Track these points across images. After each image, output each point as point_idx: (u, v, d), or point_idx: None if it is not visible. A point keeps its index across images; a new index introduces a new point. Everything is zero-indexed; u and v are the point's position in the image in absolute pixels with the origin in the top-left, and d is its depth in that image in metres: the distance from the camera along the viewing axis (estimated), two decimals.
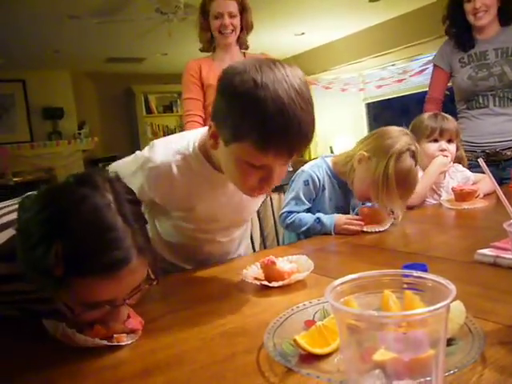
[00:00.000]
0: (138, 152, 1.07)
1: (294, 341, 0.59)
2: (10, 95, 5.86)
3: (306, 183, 1.47)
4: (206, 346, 0.68)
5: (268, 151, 0.81)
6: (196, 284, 1.01)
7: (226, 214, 1.11)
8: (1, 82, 5.67)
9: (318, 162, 1.55)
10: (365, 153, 1.38)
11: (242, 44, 2.37)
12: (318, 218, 1.40)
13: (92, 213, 0.66)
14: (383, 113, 5.99)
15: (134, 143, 6.36)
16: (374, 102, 5.92)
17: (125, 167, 1.05)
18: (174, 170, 0.99)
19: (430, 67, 2.52)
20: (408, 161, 1.33)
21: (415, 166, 1.35)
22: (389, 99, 5.65)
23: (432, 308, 0.41)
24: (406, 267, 0.84)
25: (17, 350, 0.73)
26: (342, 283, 0.47)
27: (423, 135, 1.81)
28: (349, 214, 1.48)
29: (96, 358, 0.66)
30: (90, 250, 0.64)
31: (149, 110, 6.64)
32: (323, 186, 1.49)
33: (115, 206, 0.68)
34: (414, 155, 1.34)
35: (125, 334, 0.70)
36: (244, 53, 2.40)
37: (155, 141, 1.07)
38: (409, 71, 5.22)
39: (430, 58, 2.95)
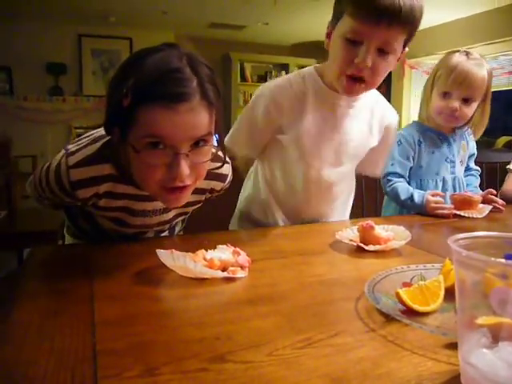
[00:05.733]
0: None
1: (397, 294, 0.61)
2: (118, 51, 6.19)
3: (399, 143, 1.52)
4: (305, 289, 0.71)
5: (358, 16, 0.96)
6: (291, 238, 1.05)
7: (331, 143, 1.18)
8: (111, 38, 6.02)
9: (410, 124, 1.62)
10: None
11: None
12: (411, 195, 1.40)
13: (163, 58, 0.74)
14: None
15: (226, 109, 6.50)
16: None
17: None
18: (294, 85, 1.15)
19: None
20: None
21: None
22: (496, 91, 5.27)
23: None
24: (509, 257, 0.80)
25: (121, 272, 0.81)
26: (466, 238, 0.47)
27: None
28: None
29: (205, 285, 0.72)
30: (154, 82, 0.71)
31: (243, 78, 6.73)
32: (418, 140, 1.53)
33: (187, 61, 0.75)
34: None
35: (239, 268, 0.76)
36: None
37: None
38: None
39: None
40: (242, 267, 0.77)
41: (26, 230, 2.22)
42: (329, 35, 1.07)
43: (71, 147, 0.87)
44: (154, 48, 0.76)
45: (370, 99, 1.21)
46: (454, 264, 0.46)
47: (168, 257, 0.75)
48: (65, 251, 1.00)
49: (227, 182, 1.05)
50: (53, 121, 5.62)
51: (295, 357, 0.50)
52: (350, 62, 1.01)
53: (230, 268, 0.76)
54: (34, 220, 2.38)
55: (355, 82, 1.04)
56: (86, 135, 0.92)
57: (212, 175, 0.95)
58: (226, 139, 1.20)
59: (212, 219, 1.24)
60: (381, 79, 1.06)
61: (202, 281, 0.73)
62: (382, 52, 1.00)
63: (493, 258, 0.42)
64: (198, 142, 0.77)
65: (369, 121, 1.23)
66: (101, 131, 0.87)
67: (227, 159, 0.99)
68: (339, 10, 1.02)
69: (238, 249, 0.80)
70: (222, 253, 0.79)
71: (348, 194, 1.37)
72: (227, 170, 1.02)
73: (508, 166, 1.79)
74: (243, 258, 0.78)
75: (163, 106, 0.71)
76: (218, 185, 1.02)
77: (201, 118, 0.75)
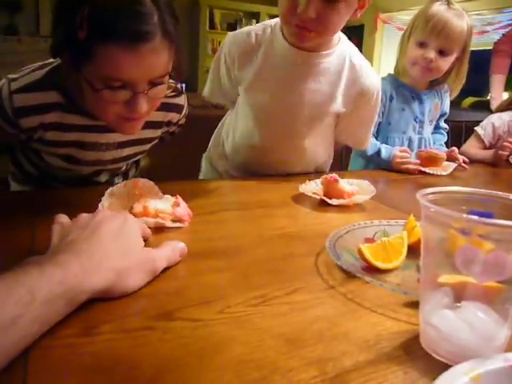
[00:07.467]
0: None
1: (359, 250, 0.58)
2: None
3: None
4: (264, 243, 0.68)
5: None
6: (253, 190, 1.01)
7: (284, 106, 1.11)
8: None
9: (384, 77, 1.53)
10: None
11: None
12: (378, 150, 1.37)
13: None
14: None
15: (193, 57, 6.25)
16: None
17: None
18: (252, 35, 1.07)
19: None
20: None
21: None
22: None
23: None
24: (472, 214, 0.79)
25: None
26: (435, 192, 0.44)
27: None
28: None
29: (156, 235, 0.67)
30: (113, 16, 0.66)
31: (212, 26, 6.45)
32: (390, 95, 1.48)
33: None
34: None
35: (169, 216, 0.70)
36: None
37: None
38: (495, 23, 4.79)
39: None
40: (180, 220, 0.71)
41: None
42: None
43: (14, 75, 0.81)
44: None
45: (341, 61, 1.08)
46: (422, 219, 0.43)
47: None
48: (8, 198, 0.92)
49: (183, 113, 1.02)
50: (6, 63, 5.26)
51: (248, 315, 0.47)
52: (294, 12, 0.93)
53: (160, 214, 0.69)
54: None
55: (303, 30, 0.96)
56: (29, 66, 0.85)
57: (168, 106, 0.94)
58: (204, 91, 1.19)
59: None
60: (334, 29, 0.98)
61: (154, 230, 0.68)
62: (330, 0, 0.91)
63: (463, 214, 0.39)
64: (157, 81, 0.75)
65: (333, 83, 1.09)
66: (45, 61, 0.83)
67: (183, 90, 0.98)
68: None
69: (180, 200, 0.73)
70: (163, 202, 0.73)
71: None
72: (183, 100, 1.00)
73: (475, 128, 1.78)
74: (183, 210, 0.72)
75: (124, 47, 0.67)
76: (174, 116, 1.00)
77: (161, 59, 0.73)
